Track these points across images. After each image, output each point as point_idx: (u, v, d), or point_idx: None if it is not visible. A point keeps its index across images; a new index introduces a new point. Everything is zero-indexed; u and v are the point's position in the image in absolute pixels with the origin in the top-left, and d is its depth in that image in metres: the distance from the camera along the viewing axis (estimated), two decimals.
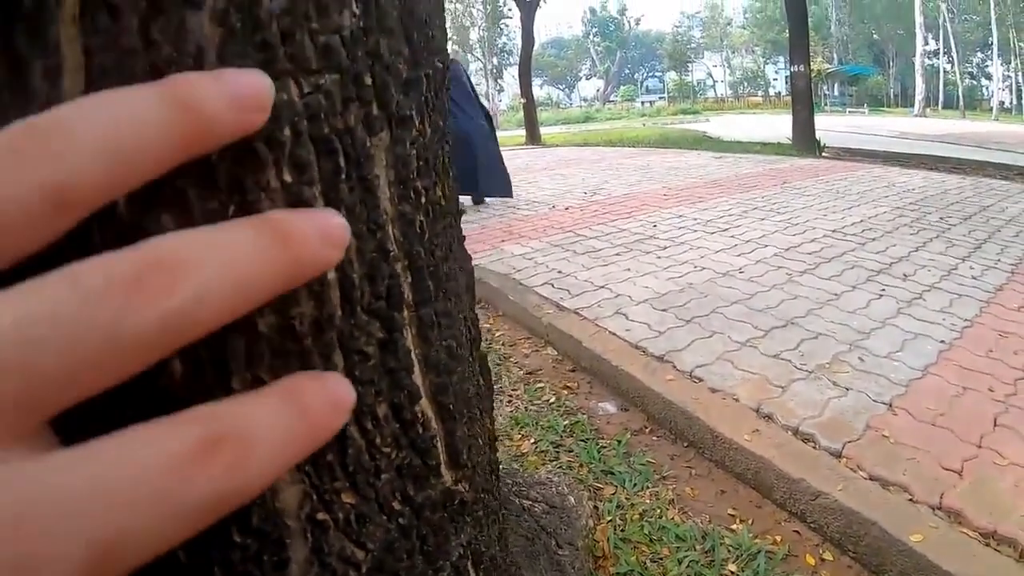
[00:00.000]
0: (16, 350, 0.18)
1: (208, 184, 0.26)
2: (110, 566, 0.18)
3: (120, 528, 0.18)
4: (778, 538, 2.16)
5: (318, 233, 0.23)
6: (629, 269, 4.75)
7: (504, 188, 7.43)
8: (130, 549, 0.19)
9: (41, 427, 0.20)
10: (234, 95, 0.23)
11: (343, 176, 0.32)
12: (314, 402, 0.23)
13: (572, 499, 2.15)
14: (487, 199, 7.57)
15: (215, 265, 0.21)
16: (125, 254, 0.20)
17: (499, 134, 7.97)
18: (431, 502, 0.43)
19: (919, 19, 47.64)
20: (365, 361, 0.35)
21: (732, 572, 2.03)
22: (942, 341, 3.41)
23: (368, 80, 0.34)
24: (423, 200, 0.40)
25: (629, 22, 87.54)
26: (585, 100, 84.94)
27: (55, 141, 0.19)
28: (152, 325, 0.20)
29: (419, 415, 0.41)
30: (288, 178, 0.29)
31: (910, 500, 2.15)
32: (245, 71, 0.25)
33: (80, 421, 0.21)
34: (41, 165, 0.19)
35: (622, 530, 2.20)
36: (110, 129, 0.21)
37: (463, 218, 0.57)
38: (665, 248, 5.33)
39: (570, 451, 2.70)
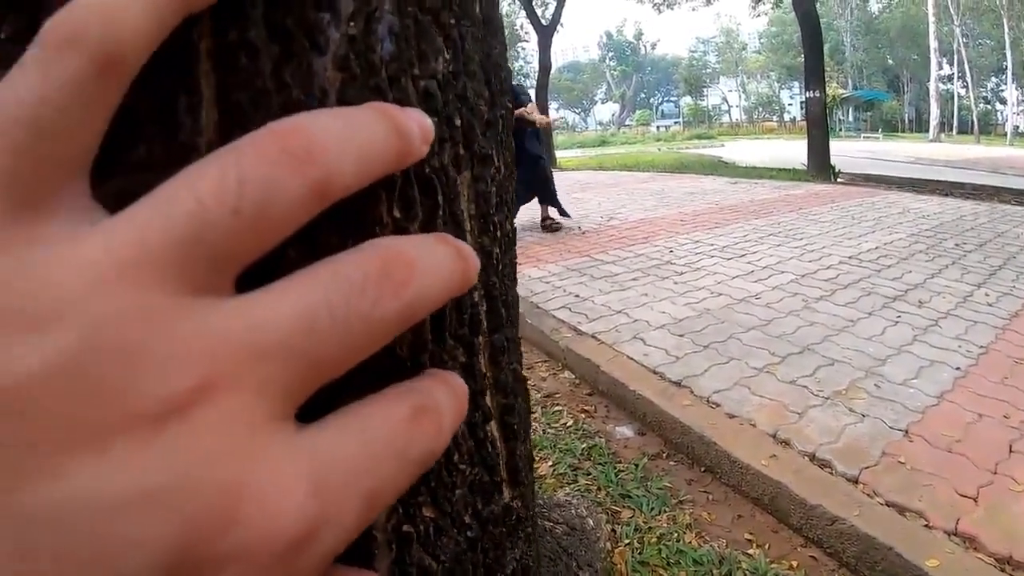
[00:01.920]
0: (302, 338, 0.21)
1: (332, 218, 0.28)
2: (374, 511, 0.23)
3: (382, 479, 0.22)
4: (794, 563, 2.19)
5: (472, 256, 0.28)
6: (646, 294, 4.80)
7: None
8: (385, 496, 0.23)
9: None
10: (421, 128, 0.27)
11: (440, 212, 0.35)
12: (459, 388, 0.28)
13: (591, 521, 2.17)
14: None
15: (430, 265, 0.24)
16: (368, 250, 0.23)
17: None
18: (494, 517, 0.46)
19: (933, 44, 47.62)
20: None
21: None
22: (957, 368, 3.43)
23: (457, 122, 0.37)
24: (498, 233, 0.43)
25: (645, 46, 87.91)
26: (600, 124, 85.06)
27: (316, 142, 0.22)
28: (396, 312, 0.23)
29: (489, 434, 0.44)
30: (397, 214, 0.32)
31: (926, 526, 2.18)
32: (415, 110, 0.27)
33: None
34: (309, 163, 0.21)
35: (640, 553, 2.23)
36: (354, 136, 0.23)
37: None
38: (682, 274, 5.37)
39: (588, 474, 2.73)
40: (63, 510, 0.17)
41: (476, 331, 0.41)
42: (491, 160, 0.41)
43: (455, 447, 0.41)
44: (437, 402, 0.26)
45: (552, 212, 7.73)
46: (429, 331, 0.36)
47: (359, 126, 0.24)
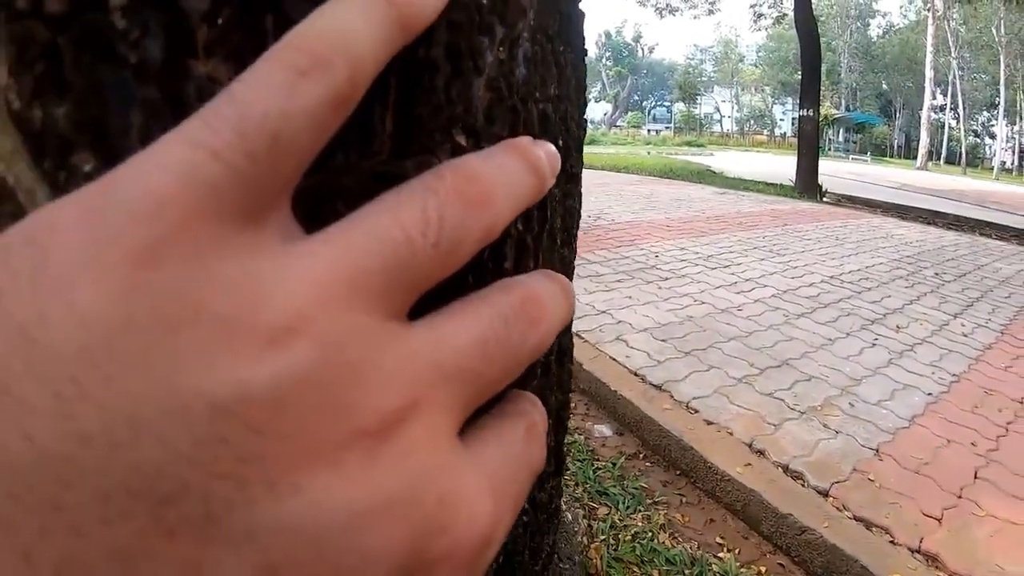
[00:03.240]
0: (477, 361, 0.22)
1: None
2: (516, 514, 0.24)
3: (522, 486, 0.25)
4: (763, 569, 2.26)
5: (572, 290, 0.29)
6: (630, 297, 4.85)
7: None
8: (523, 502, 0.25)
9: None
10: (550, 161, 0.28)
11: (547, 226, 0.37)
12: (542, 406, 0.29)
13: (569, 516, 2.22)
14: None
15: (552, 302, 0.26)
16: (507, 289, 0.25)
17: None
18: (542, 504, 0.49)
19: (929, 73, 47.87)
20: (533, 380, 0.40)
21: None
22: (930, 394, 3.53)
23: (560, 143, 0.38)
24: (575, 245, 0.46)
25: (643, 49, 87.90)
26: (592, 123, 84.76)
27: (487, 190, 0.24)
28: (535, 344, 0.25)
29: (548, 428, 0.48)
30: (520, 227, 0.34)
31: (891, 542, 2.26)
32: (545, 143, 0.29)
33: None
34: (485, 210, 0.23)
35: (615, 550, 2.29)
36: (508, 181, 0.25)
37: None
38: (666, 279, 5.43)
39: (567, 470, 2.77)
40: (305, 525, 0.17)
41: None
42: (578, 178, 0.44)
43: None
44: (537, 421, 0.28)
45: None
46: None
47: (509, 170, 0.26)
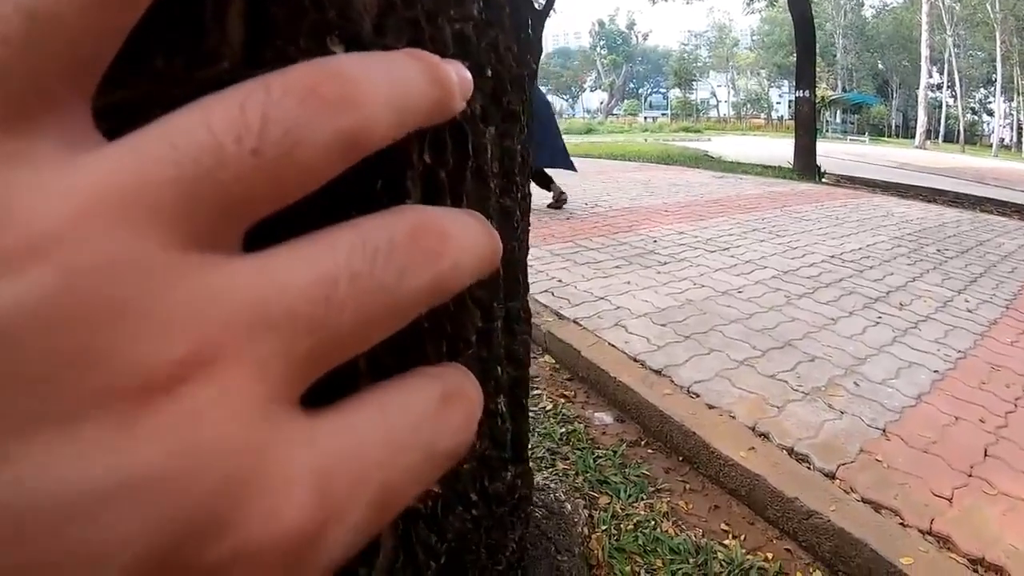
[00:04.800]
0: (316, 308, 0.17)
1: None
2: (390, 509, 0.20)
3: (403, 473, 0.20)
4: (770, 555, 2.20)
5: (497, 237, 0.24)
6: (629, 282, 4.80)
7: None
8: (405, 493, 0.20)
9: None
10: (460, 80, 0.23)
11: (468, 163, 0.33)
12: (476, 382, 0.24)
13: (569, 506, 2.17)
14: None
15: (464, 238, 0.21)
16: (396, 215, 0.20)
17: None
18: (499, 495, 0.44)
19: (925, 52, 47.92)
20: (467, 349, 0.35)
21: None
22: (936, 371, 3.47)
23: (488, 72, 0.35)
24: (519, 195, 0.41)
25: (637, 36, 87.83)
26: (588, 112, 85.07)
27: (353, 88, 0.19)
28: (425, 286, 0.20)
29: (499, 408, 0.42)
30: (428, 159, 0.30)
31: (901, 524, 2.19)
32: (455, 61, 0.24)
33: None
34: (343, 110, 0.18)
35: (617, 540, 2.23)
36: (393, 85, 0.20)
37: None
38: (665, 264, 5.38)
39: (566, 459, 2.72)
40: (7, 504, 0.13)
41: (494, 296, 0.39)
42: (517, 117, 0.39)
43: None
44: (466, 391, 0.23)
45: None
46: None
47: (398, 73, 0.21)
